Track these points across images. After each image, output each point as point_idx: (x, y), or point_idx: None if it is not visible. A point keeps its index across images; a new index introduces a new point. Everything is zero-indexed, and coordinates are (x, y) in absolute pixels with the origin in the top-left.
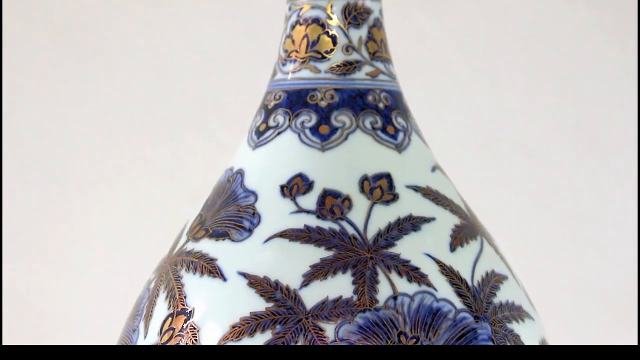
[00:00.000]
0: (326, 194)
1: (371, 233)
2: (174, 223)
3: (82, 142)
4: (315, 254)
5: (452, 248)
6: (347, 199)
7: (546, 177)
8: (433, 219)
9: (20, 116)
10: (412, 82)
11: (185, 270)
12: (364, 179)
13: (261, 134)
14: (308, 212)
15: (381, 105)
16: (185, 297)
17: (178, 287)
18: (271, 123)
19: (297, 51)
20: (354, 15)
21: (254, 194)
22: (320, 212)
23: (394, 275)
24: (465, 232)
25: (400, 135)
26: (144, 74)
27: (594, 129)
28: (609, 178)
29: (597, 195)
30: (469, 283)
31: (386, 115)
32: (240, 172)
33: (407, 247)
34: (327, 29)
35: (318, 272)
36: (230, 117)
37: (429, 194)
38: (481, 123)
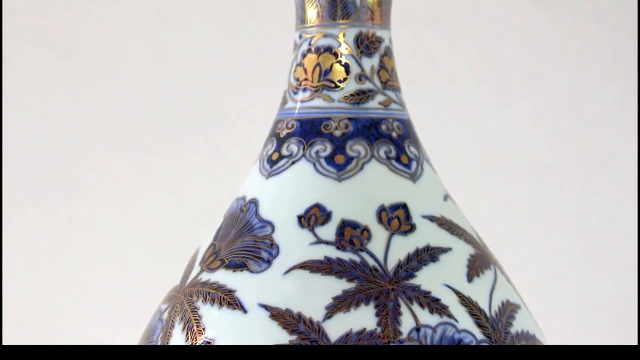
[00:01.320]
0: (345, 225)
1: (391, 264)
2: (182, 241)
3: (89, 159)
4: (337, 285)
5: (470, 278)
6: (366, 229)
7: (553, 194)
8: (450, 249)
9: (26, 133)
10: (420, 99)
11: (202, 301)
12: (381, 210)
13: (274, 163)
14: (327, 243)
15: (394, 134)
16: (204, 329)
17: (195, 319)
18: (284, 152)
19: (309, 80)
20: (366, 44)
21: (270, 224)
22: (339, 243)
23: (415, 307)
24: (480, 261)
25: (414, 165)
26: (152, 91)
27: (602, 147)
28: (616, 195)
29: (605, 212)
30: (487, 313)
31: (399, 144)
32: (254, 202)
33: (427, 278)
34: (339, 58)
35: (341, 304)
36: (238, 135)
37: (444, 223)
38: (489, 140)
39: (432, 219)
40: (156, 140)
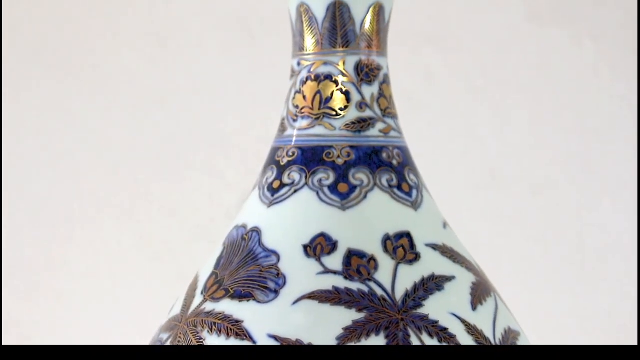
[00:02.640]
0: (351, 254)
1: (399, 294)
2: (180, 261)
3: (86, 177)
4: (347, 316)
5: (474, 307)
6: (373, 259)
7: (552, 213)
8: (453, 277)
9: (24, 153)
10: (419, 118)
11: (208, 331)
12: (386, 239)
13: (275, 191)
14: (335, 272)
15: (395, 162)
16: None
17: None
18: (286, 180)
19: (309, 107)
20: (366, 72)
21: (275, 253)
22: (347, 273)
23: (425, 337)
24: (482, 289)
25: (414, 193)
26: (149, 111)
27: (601, 166)
28: (615, 215)
29: (603, 231)
30: (492, 341)
31: (400, 172)
32: (257, 231)
33: (434, 308)
34: (340, 86)
35: (351, 334)
36: (236, 155)
37: (446, 252)
38: (488, 160)
39: (434, 247)
40: (153, 158)
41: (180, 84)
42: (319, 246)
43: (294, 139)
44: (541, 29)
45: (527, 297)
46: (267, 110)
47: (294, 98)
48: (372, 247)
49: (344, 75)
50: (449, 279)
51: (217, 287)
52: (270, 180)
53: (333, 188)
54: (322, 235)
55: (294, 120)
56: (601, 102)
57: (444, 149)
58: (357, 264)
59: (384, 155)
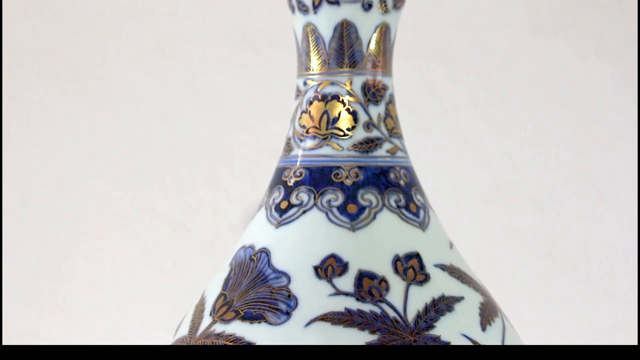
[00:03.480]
0: (362, 276)
1: (411, 315)
2: (184, 274)
3: (91, 192)
4: (360, 338)
5: (483, 327)
6: (384, 280)
7: (557, 228)
8: (462, 298)
9: (29, 166)
10: (423, 133)
11: None
12: (396, 260)
13: (283, 212)
14: (347, 294)
15: (402, 182)
16: None
17: None
18: (294, 201)
19: (316, 127)
20: (372, 92)
21: (285, 275)
22: (359, 295)
23: None
24: (489, 309)
25: (422, 213)
26: (153, 125)
27: (606, 179)
28: (620, 229)
29: (608, 246)
30: None
31: (407, 192)
32: (265, 251)
33: (445, 329)
34: (347, 106)
35: None
36: (240, 168)
37: (454, 272)
38: (492, 174)
39: (443, 267)
40: (157, 172)
41: (185, 98)
42: (330, 267)
43: (301, 159)
44: (545, 43)
45: (532, 310)
46: (271, 124)
47: (300, 118)
48: (383, 268)
49: (351, 95)
50: (458, 299)
51: (227, 308)
52: (277, 201)
53: (342, 209)
54: (333, 256)
55: (301, 140)
56: (606, 115)
57: (448, 162)
58: (369, 285)
59: (392, 175)
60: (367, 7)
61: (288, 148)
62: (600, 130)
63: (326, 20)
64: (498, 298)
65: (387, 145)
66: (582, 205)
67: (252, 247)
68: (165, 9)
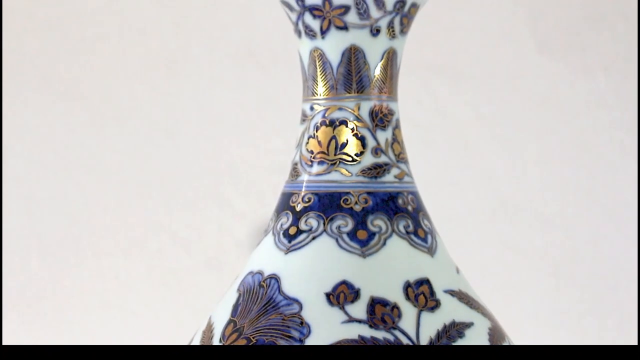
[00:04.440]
0: (375, 302)
1: (424, 342)
2: (189, 291)
3: (96, 209)
4: None
5: None
6: (396, 307)
7: (562, 244)
8: (472, 323)
9: (34, 182)
10: (429, 150)
11: None
12: (407, 286)
13: (292, 238)
14: (360, 321)
15: (410, 208)
16: None
17: None
18: (303, 227)
19: (324, 153)
20: (380, 117)
21: (297, 301)
22: (372, 322)
23: None
24: (497, 334)
25: (429, 238)
26: (158, 141)
27: (610, 197)
28: (624, 244)
29: (614, 261)
30: None
31: (415, 218)
32: (275, 278)
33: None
34: (356, 131)
35: None
36: (244, 184)
37: (462, 297)
38: (496, 191)
39: (452, 293)
40: (162, 188)
41: (190, 114)
42: (342, 294)
43: (309, 184)
44: (550, 60)
45: (537, 327)
46: (276, 141)
47: (307, 143)
48: (395, 294)
49: (359, 120)
50: (468, 325)
51: (237, 335)
52: (286, 226)
53: (352, 235)
54: (344, 283)
55: (309, 166)
56: (611, 132)
57: (453, 179)
58: (381, 312)
59: (400, 201)
60: (375, 32)
61: (295, 173)
62: (605, 148)
63: (334, 46)
64: (503, 315)
65: (394, 171)
66: (587, 222)
67: (260, 273)
68: (171, 25)
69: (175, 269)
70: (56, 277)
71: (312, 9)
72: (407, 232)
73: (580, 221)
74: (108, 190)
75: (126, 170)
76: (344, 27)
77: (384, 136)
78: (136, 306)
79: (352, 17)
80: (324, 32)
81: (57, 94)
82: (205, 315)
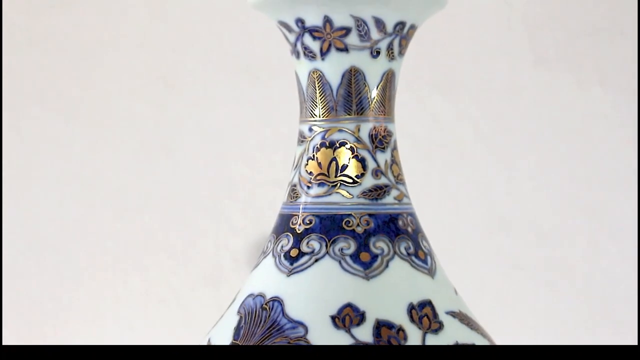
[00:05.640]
0: (380, 325)
1: None
2: (186, 306)
3: (92, 223)
4: None
5: None
6: (401, 329)
7: (560, 259)
8: (473, 345)
9: (30, 198)
10: (426, 164)
11: None
12: (411, 308)
13: (294, 260)
14: (366, 344)
15: (409, 229)
16: None
17: None
18: (305, 249)
19: (324, 174)
20: (379, 139)
21: (302, 324)
22: (378, 345)
23: None
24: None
25: (429, 260)
26: (155, 157)
27: (609, 212)
28: (623, 260)
29: (613, 275)
30: None
31: (415, 239)
32: (278, 300)
33: None
34: (356, 153)
35: None
36: (241, 199)
37: (463, 319)
38: (494, 206)
39: (453, 315)
40: (159, 203)
41: (187, 129)
42: (347, 317)
43: (309, 206)
44: (548, 74)
45: (536, 340)
46: (273, 156)
47: (306, 164)
48: (399, 317)
49: (359, 142)
50: None
51: None
52: (287, 248)
53: (355, 257)
54: (349, 305)
55: (309, 187)
56: (609, 146)
57: (451, 194)
58: (387, 334)
59: (400, 222)
60: (376, 54)
61: (294, 195)
62: (603, 160)
63: (334, 67)
64: (501, 329)
65: (394, 192)
66: (585, 237)
67: (262, 295)
68: (168, 40)
69: (172, 284)
70: (53, 294)
71: (312, 31)
72: (408, 254)
73: (579, 235)
74: (105, 206)
75: (124, 185)
76: (345, 49)
77: (383, 158)
78: (133, 321)
79: (352, 39)
80: (323, 54)
81: (56, 109)
82: (201, 331)
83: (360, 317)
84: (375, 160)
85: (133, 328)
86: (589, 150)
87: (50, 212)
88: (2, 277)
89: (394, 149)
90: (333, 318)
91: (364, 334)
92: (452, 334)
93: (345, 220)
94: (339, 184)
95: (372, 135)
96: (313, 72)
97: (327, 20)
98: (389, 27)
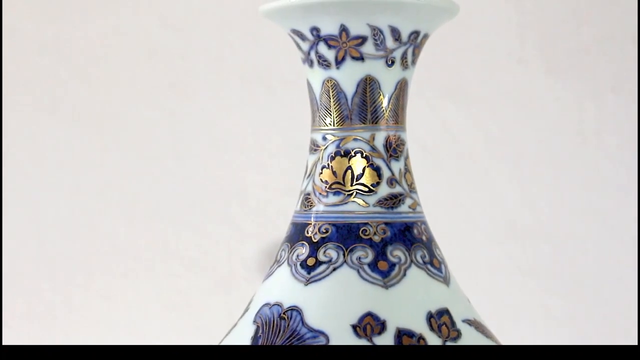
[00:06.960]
0: (401, 334)
1: None
2: (198, 313)
3: (104, 230)
4: None
5: None
6: (422, 338)
7: (570, 265)
8: None
9: (42, 205)
10: (437, 171)
11: None
12: (430, 316)
13: (311, 269)
14: None
15: (424, 237)
16: None
17: None
18: (322, 258)
19: (340, 183)
20: (393, 148)
21: (323, 334)
22: None
23: None
24: None
25: (443, 268)
26: (167, 164)
27: (619, 219)
28: (634, 266)
29: (626, 284)
30: None
31: (429, 247)
32: (297, 310)
33: None
34: (371, 162)
35: None
36: (252, 206)
37: (478, 327)
38: (506, 213)
39: (469, 322)
40: (171, 210)
41: (198, 137)
42: (369, 326)
43: (325, 215)
44: (560, 82)
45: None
46: (285, 163)
47: (321, 173)
48: (419, 325)
49: (374, 150)
50: None
51: None
52: (303, 257)
53: (373, 266)
54: (370, 314)
55: (324, 196)
56: (620, 155)
57: (462, 202)
58: (409, 343)
59: (415, 231)
60: (390, 63)
61: (308, 203)
62: (615, 169)
63: (349, 76)
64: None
65: (408, 201)
66: (595, 244)
67: (279, 304)
68: (179, 47)
69: (183, 292)
70: (65, 300)
71: (328, 39)
72: (424, 262)
73: (589, 241)
74: (117, 212)
75: (136, 192)
76: (360, 58)
77: (397, 166)
78: (145, 328)
79: (368, 48)
80: (339, 63)
81: (65, 115)
82: (212, 337)
83: (381, 326)
84: (390, 169)
85: (144, 334)
86: (601, 158)
87: (62, 218)
88: (12, 286)
89: (407, 157)
90: (354, 327)
91: (385, 342)
92: (470, 342)
93: (362, 229)
94: (354, 193)
95: (386, 144)
96: (327, 81)
97: (344, 29)
98: (404, 36)
